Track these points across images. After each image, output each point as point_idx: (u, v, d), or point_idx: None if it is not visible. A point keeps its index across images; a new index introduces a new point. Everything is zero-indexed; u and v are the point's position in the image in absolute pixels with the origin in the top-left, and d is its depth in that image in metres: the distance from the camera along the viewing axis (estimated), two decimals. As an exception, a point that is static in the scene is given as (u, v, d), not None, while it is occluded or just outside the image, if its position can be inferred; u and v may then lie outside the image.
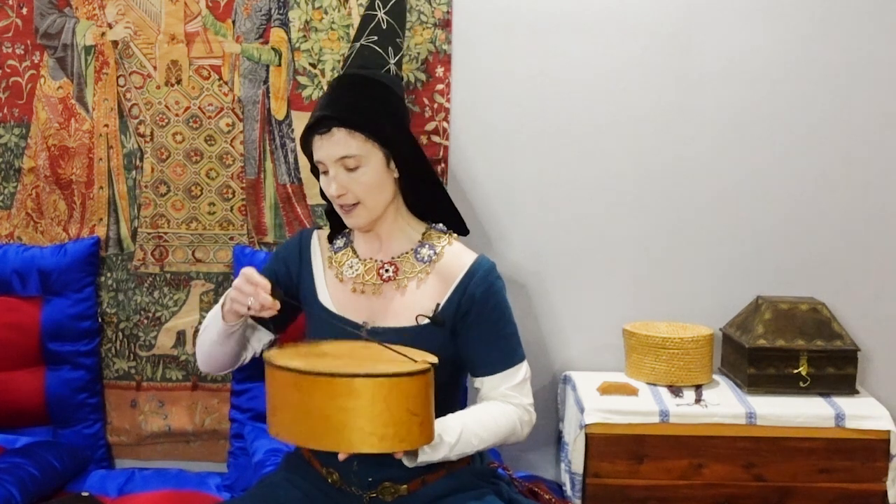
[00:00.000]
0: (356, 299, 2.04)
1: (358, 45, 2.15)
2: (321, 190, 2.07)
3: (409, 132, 2.07)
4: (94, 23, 2.68)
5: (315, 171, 2.08)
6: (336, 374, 1.70)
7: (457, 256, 2.04)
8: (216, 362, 2.11)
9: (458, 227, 2.13)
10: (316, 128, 1.98)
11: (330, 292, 2.06)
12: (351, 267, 2.06)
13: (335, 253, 2.10)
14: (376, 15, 2.20)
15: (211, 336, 2.05)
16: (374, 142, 1.97)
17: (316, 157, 2.00)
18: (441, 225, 2.11)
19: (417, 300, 2.00)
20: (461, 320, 2.00)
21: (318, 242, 2.14)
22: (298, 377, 1.72)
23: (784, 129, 2.72)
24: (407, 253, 2.05)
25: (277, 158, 2.72)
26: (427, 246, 2.05)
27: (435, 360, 1.82)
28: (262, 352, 2.07)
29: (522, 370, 2.04)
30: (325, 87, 2.13)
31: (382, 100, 2.04)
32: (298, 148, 2.65)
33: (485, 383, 2.03)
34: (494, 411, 2.00)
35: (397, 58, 2.18)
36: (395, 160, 2.01)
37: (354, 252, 2.08)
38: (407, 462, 1.86)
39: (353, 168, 1.96)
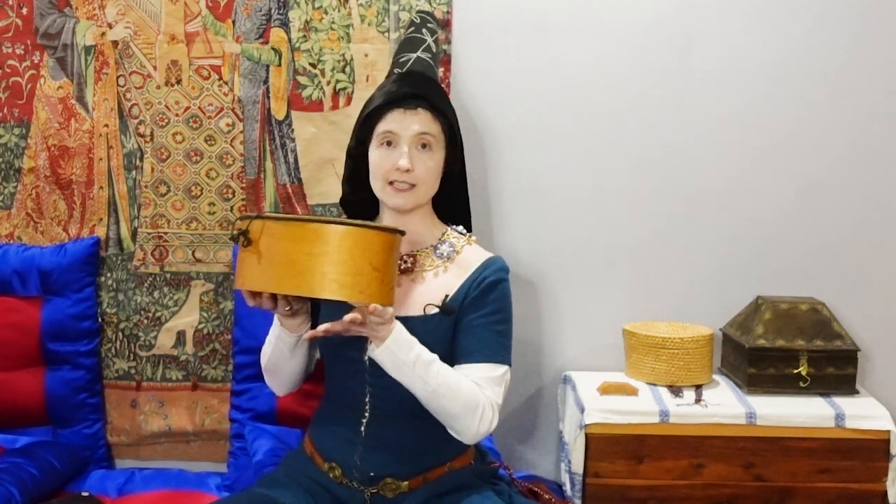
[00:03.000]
0: None
1: (414, 55, 2.23)
2: (349, 174, 2.11)
3: (462, 142, 2.14)
4: (94, 23, 2.68)
5: (357, 150, 2.09)
6: (307, 220, 1.82)
7: (475, 253, 2.09)
8: (291, 381, 2.15)
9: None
10: (401, 102, 2.01)
11: None
12: None
13: None
14: (426, 39, 2.34)
15: (280, 356, 2.07)
16: (445, 136, 2.04)
17: (389, 127, 2.01)
18: (461, 227, 2.15)
19: (433, 291, 2.02)
20: (464, 306, 2.01)
21: None
22: (271, 223, 1.81)
23: (784, 128, 2.72)
24: (427, 248, 2.08)
25: (277, 158, 2.72)
26: (447, 244, 2.09)
27: (404, 231, 1.90)
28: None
29: (501, 371, 2.01)
30: (387, 79, 2.21)
31: (450, 104, 2.14)
32: (299, 138, 2.67)
33: (462, 370, 1.98)
34: (465, 380, 1.95)
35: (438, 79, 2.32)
36: (448, 162, 2.07)
37: None
38: (374, 348, 1.86)
39: (426, 149, 2.01)
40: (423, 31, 2.38)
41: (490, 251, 2.63)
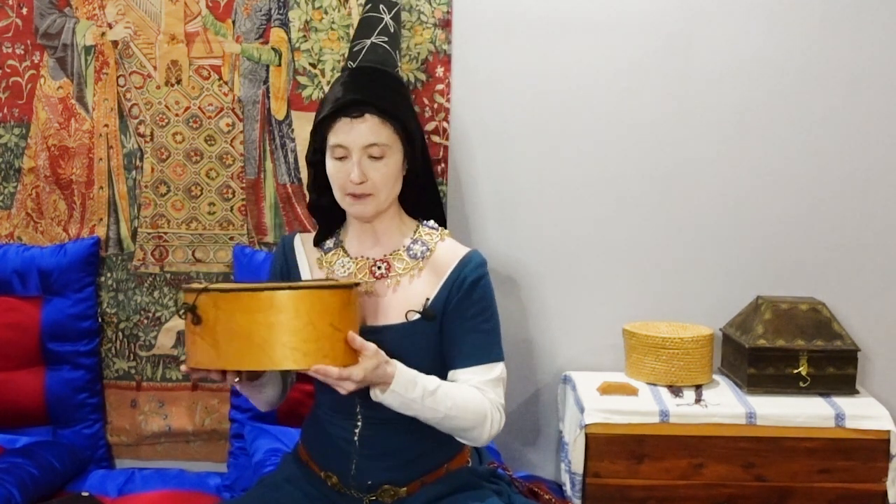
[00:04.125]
0: None
1: (369, 42, 2.13)
2: (310, 182, 2.06)
3: (423, 133, 2.08)
4: (94, 23, 2.68)
5: (314, 157, 2.04)
6: (258, 289, 1.70)
7: (450, 250, 2.03)
8: (272, 403, 2.11)
9: (441, 224, 2.12)
10: (346, 111, 1.94)
11: None
12: (343, 266, 2.03)
13: (325, 253, 2.08)
14: (383, 18, 2.20)
15: (251, 395, 2.05)
16: (399, 136, 1.97)
17: (337, 140, 1.95)
18: (432, 222, 2.10)
19: (410, 296, 1.98)
20: (447, 310, 1.98)
21: (301, 244, 2.12)
22: (220, 296, 1.70)
23: (784, 129, 2.72)
24: (399, 250, 2.03)
25: (277, 158, 2.72)
26: (419, 242, 2.04)
27: (359, 282, 1.84)
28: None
29: (497, 369, 1.99)
30: (336, 78, 2.11)
31: (405, 96, 2.06)
32: (299, 138, 2.67)
33: (458, 376, 1.97)
34: (468, 390, 1.94)
35: (400, 63, 2.22)
36: (409, 159, 2.01)
37: (345, 251, 2.06)
38: (377, 395, 1.83)
39: (378, 157, 1.95)
40: (381, 7, 2.23)
41: (490, 251, 2.65)
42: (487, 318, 2.00)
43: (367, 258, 2.03)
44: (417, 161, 2.02)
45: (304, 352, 1.70)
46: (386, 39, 2.15)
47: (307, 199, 2.14)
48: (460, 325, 1.97)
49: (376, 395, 1.84)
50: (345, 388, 1.77)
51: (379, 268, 2.02)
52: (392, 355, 1.85)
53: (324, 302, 1.72)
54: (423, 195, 2.09)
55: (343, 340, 1.74)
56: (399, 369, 1.84)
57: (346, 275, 2.02)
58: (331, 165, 1.98)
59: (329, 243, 2.09)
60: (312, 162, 2.05)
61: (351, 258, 2.04)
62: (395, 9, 2.25)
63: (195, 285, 1.74)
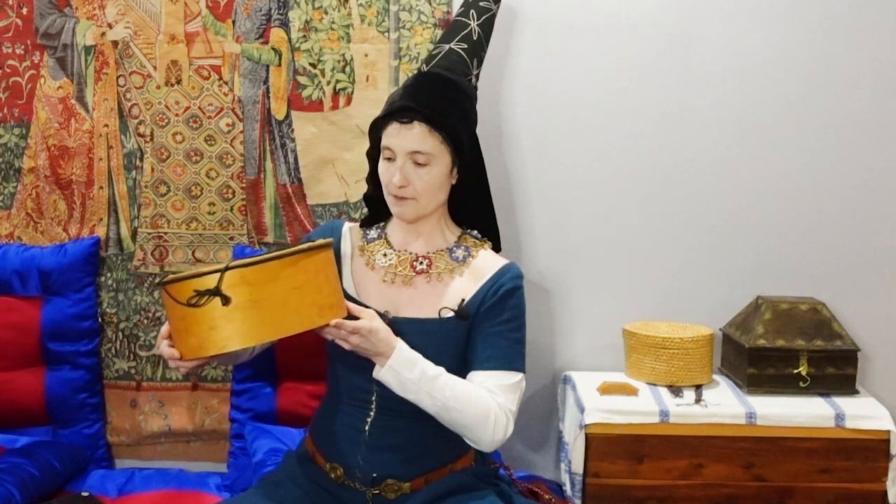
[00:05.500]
0: (384, 289, 2.04)
1: (447, 47, 2.20)
2: (371, 174, 2.10)
3: (478, 144, 2.10)
4: (94, 23, 2.68)
5: (372, 153, 2.09)
6: (279, 256, 1.72)
7: (490, 259, 2.07)
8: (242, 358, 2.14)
9: (493, 240, 2.15)
10: (397, 115, 1.99)
11: (356, 280, 2.06)
12: (385, 256, 2.07)
13: (368, 243, 2.11)
14: (469, 24, 2.27)
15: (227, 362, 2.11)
16: (448, 146, 2.00)
17: (387, 142, 2.00)
18: (476, 232, 2.13)
19: (447, 294, 2.01)
20: (479, 312, 2.00)
21: (348, 232, 2.15)
22: (246, 271, 1.69)
23: (784, 129, 2.72)
24: (442, 251, 2.07)
25: (277, 158, 2.72)
26: (462, 248, 2.08)
27: (331, 239, 1.88)
28: None
29: (516, 379, 2.00)
30: (406, 80, 2.18)
31: (463, 107, 2.08)
32: (299, 138, 2.67)
33: (476, 377, 1.98)
34: (474, 388, 1.96)
35: (479, 70, 2.26)
36: (460, 168, 2.04)
37: (388, 243, 2.10)
38: (378, 369, 1.88)
39: (422, 164, 1.98)
40: (472, 11, 2.30)
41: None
42: (516, 329, 2.02)
43: (410, 252, 2.07)
44: (468, 171, 2.06)
45: (329, 305, 1.78)
46: (465, 46, 2.23)
47: (367, 189, 2.17)
48: (489, 328, 2.00)
49: (376, 370, 1.89)
50: (351, 342, 1.85)
51: (420, 263, 2.05)
52: (416, 349, 1.91)
53: (328, 257, 1.81)
54: (472, 204, 2.12)
55: (339, 291, 1.84)
56: (399, 346, 1.89)
57: (387, 265, 2.06)
58: (381, 166, 2.04)
59: (373, 233, 2.13)
60: (372, 157, 2.10)
61: (394, 250, 2.08)
62: (486, 15, 2.33)
63: (203, 269, 1.71)
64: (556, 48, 2.70)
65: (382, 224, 2.14)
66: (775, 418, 2.44)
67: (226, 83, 2.70)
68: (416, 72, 2.19)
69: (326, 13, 2.67)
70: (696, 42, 2.69)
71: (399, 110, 1.99)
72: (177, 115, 2.71)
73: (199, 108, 2.71)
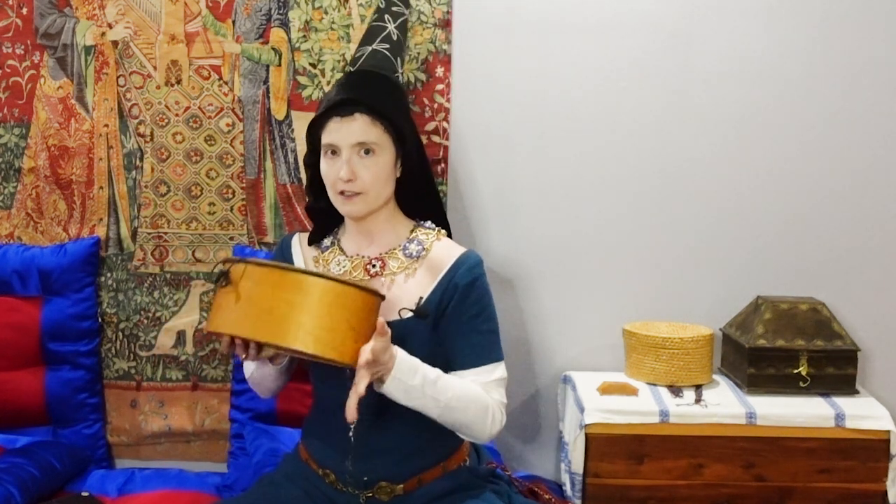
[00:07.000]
0: None
1: (370, 48, 2.23)
2: (309, 182, 2.08)
3: (418, 136, 2.10)
4: (94, 23, 2.68)
5: (310, 159, 2.07)
6: (291, 269, 1.80)
7: (445, 250, 2.04)
8: (277, 390, 2.15)
9: (443, 227, 2.13)
10: (337, 110, 1.97)
11: None
12: (338, 264, 2.05)
13: (322, 252, 2.10)
14: (387, 27, 2.32)
15: (265, 378, 2.08)
16: (391, 135, 1.99)
17: (329, 139, 1.99)
18: (429, 222, 2.11)
19: (405, 294, 1.99)
20: (443, 312, 1.98)
21: (298, 244, 2.15)
22: (251, 267, 1.77)
23: (784, 129, 2.72)
24: (395, 249, 2.04)
25: (277, 158, 2.72)
26: (415, 242, 2.05)
27: (384, 295, 1.86)
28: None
29: (498, 370, 2.00)
30: (335, 80, 2.20)
31: (399, 99, 2.09)
32: (299, 138, 2.67)
33: (460, 377, 1.97)
34: (468, 384, 1.96)
35: (402, 69, 2.31)
36: (403, 160, 2.03)
37: (342, 250, 2.08)
38: (379, 386, 1.84)
39: (368, 154, 1.97)
40: (386, 16, 2.36)
41: (490, 251, 2.65)
42: (486, 319, 2.01)
43: (363, 257, 2.05)
44: (412, 162, 2.04)
45: (317, 337, 1.74)
46: (387, 46, 2.28)
47: (306, 200, 2.16)
48: (458, 327, 1.98)
49: (379, 386, 1.84)
50: (360, 385, 1.78)
51: (374, 266, 2.03)
52: None
53: (348, 297, 1.76)
54: (420, 196, 2.10)
55: (354, 340, 1.76)
56: (400, 355, 1.86)
57: (341, 272, 2.04)
58: (323, 164, 2.01)
59: (327, 242, 2.12)
60: (309, 164, 2.08)
61: (347, 257, 2.06)
62: (401, 19, 2.36)
63: (236, 258, 1.82)
64: (556, 48, 2.70)
65: (335, 231, 2.13)
66: (775, 418, 2.44)
67: (226, 83, 2.70)
68: (344, 72, 2.22)
69: (326, 13, 2.67)
70: (696, 42, 2.69)
71: (339, 104, 1.97)
72: (177, 115, 2.71)
73: (199, 108, 2.71)
